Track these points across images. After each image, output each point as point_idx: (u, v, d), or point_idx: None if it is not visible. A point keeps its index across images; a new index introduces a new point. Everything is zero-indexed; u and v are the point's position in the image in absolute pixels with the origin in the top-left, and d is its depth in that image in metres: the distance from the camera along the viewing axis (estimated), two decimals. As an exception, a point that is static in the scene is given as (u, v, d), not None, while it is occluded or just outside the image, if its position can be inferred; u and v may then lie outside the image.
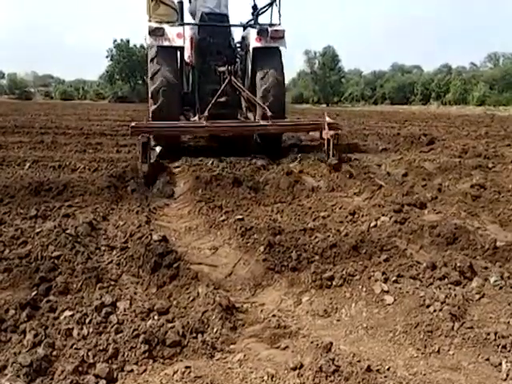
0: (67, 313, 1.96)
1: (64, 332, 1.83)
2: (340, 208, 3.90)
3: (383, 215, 3.55)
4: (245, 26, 6.81)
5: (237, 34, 7.26)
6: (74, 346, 1.76)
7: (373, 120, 16.66)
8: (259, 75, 6.15)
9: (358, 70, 61.85)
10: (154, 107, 5.94)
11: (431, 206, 3.89)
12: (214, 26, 6.55)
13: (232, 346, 1.91)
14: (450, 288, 2.27)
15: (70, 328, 1.85)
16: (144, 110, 19.54)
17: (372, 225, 3.40)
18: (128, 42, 51.49)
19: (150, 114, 6.06)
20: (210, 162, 5.69)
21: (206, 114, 5.67)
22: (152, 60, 6.00)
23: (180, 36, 5.94)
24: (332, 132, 5.44)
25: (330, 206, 4.00)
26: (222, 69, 6.25)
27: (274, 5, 6.55)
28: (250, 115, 6.55)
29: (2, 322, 1.89)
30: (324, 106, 46.83)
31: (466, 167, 5.46)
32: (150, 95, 6.01)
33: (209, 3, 6.63)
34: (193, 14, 6.90)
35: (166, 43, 5.91)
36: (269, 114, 5.75)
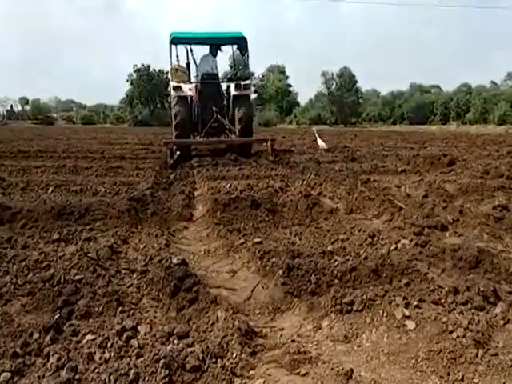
0: (89, 336, 1.98)
1: (86, 356, 1.86)
2: (359, 231, 3.87)
3: (403, 238, 3.51)
4: (228, 81, 11.26)
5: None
6: (96, 370, 1.78)
7: (391, 141, 16.61)
8: (236, 112, 10.06)
9: (375, 91, 62.03)
10: (176, 133, 9.89)
11: (453, 229, 3.84)
12: (209, 82, 10.54)
13: (251, 372, 1.90)
14: (473, 313, 2.22)
15: (92, 352, 1.88)
16: (162, 133, 20.06)
17: (392, 248, 3.36)
18: (148, 67, 52.74)
19: (174, 136, 9.92)
20: (228, 184, 5.79)
21: (202, 134, 10.24)
22: (174, 105, 9.87)
23: (190, 90, 10.08)
24: (270, 142, 9.51)
25: (348, 228, 3.98)
26: (214, 108, 10.16)
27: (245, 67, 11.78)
28: (230, 134, 10.45)
29: (26, 345, 1.92)
30: (342, 126, 46.91)
31: (488, 188, 5.37)
32: (173, 126, 9.94)
33: (206, 67, 10.72)
34: (195, 72, 11.04)
35: (182, 94, 9.92)
36: (237, 134, 9.98)
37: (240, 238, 3.66)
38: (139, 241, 3.62)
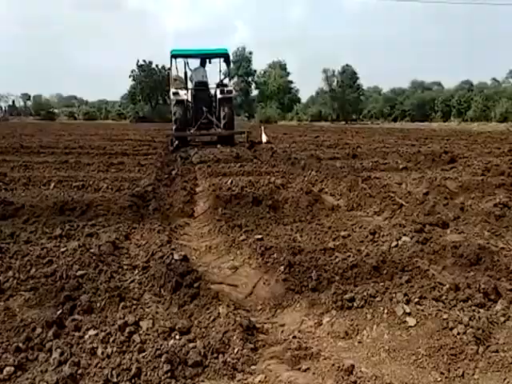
0: (92, 332, 1.99)
1: (89, 351, 1.87)
2: (360, 227, 3.88)
3: (404, 235, 3.52)
4: (215, 88, 13.97)
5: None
6: (99, 365, 1.79)
7: (392, 138, 16.58)
8: (221, 110, 13.29)
9: (376, 88, 61.84)
10: (175, 128, 13.26)
11: (453, 226, 3.84)
12: (200, 89, 13.78)
13: (253, 367, 1.91)
14: (473, 310, 2.23)
15: (95, 347, 1.89)
16: (163, 129, 20.10)
17: (393, 245, 3.37)
18: (150, 63, 52.58)
19: (173, 130, 13.27)
20: (229, 181, 5.80)
21: (195, 128, 13.16)
22: (174, 107, 13.17)
23: (186, 95, 13.36)
24: (246, 133, 12.74)
25: (349, 225, 3.99)
26: (204, 108, 13.35)
27: (230, 77, 15.79)
28: (217, 128, 13.45)
29: (29, 340, 1.94)
30: (343, 123, 46.84)
31: (489, 186, 5.37)
32: (173, 123, 13.40)
33: (198, 76, 14.02)
34: (190, 80, 14.27)
35: (179, 98, 13.12)
36: (222, 127, 13.18)
37: (241, 235, 3.66)
38: (141, 237, 3.63)
